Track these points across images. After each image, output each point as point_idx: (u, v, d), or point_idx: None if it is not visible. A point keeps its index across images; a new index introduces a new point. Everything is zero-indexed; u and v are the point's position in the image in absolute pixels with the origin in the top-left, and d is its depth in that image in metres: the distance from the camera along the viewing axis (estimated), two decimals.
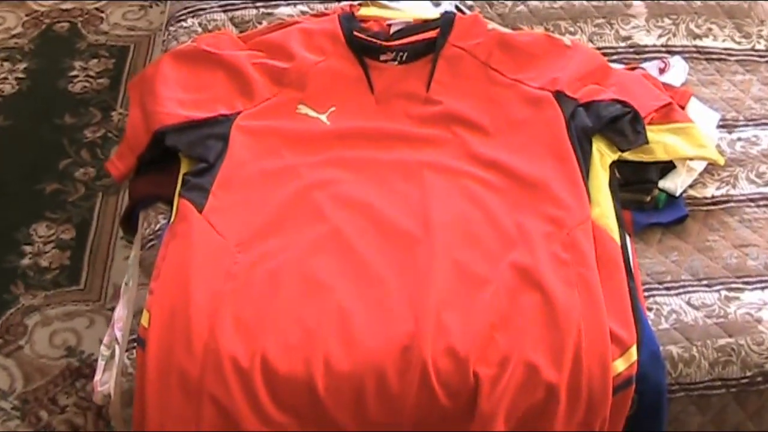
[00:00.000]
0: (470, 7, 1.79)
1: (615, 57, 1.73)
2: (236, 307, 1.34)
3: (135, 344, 1.35)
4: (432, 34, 1.64)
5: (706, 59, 1.75)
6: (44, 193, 2.08)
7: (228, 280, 1.37)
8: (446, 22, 1.65)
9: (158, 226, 1.49)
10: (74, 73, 2.33)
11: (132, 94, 1.65)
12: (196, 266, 1.37)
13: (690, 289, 1.42)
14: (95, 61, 2.35)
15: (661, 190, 1.53)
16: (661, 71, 1.69)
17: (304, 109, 1.59)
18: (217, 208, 1.45)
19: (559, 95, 1.55)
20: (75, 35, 2.43)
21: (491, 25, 1.66)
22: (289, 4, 1.79)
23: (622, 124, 1.52)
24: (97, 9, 2.50)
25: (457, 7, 1.75)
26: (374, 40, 1.63)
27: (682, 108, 1.61)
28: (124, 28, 2.44)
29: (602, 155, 1.51)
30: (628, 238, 1.45)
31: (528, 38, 1.65)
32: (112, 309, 1.88)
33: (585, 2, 1.80)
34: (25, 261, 1.97)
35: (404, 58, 1.63)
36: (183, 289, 1.35)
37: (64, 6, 2.51)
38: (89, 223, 2.03)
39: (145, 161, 1.56)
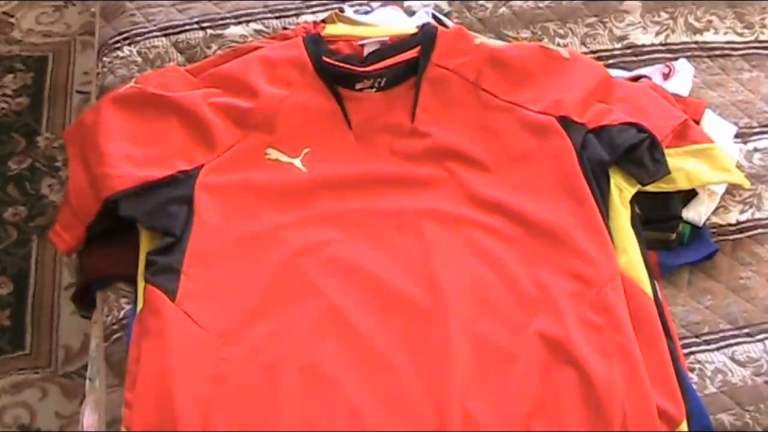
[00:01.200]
0: (447, 14, 1.58)
1: (612, 60, 1.56)
2: (232, 415, 1.16)
3: None
4: (412, 53, 1.43)
5: (709, 56, 1.59)
6: None
7: (217, 384, 1.18)
8: (427, 37, 1.44)
9: (122, 314, 1.29)
10: None
11: (70, 148, 1.42)
12: (177, 371, 1.17)
13: (731, 341, 1.28)
14: (11, 76, 2.07)
15: (685, 222, 1.38)
16: (666, 77, 1.52)
17: (274, 154, 1.38)
18: (192, 292, 1.25)
19: (565, 121, 1.37)
20: None
21: (478, 39, 1.46)
22: (239, 23, 1.56)
23: (640, 153, 1.35)
24: (5, 13, 2.19)
25: (434, 17, 1.54)
26: (347, 65, 1.42)
27: (697, 122, 1.45)
28: (39, 35, 2.15)
29: (621, 190, 1.34)
30: (657, 284, 1.31)
31: (521, 52, 1.45)
32: (65, 375, 1.70)
33: (573, 0, 1.62)
34: None
35: (383, 84, 1.42)
36: (166, 403, 1.15)
37: None
38: (27, 273, 1.79)
39: (96, 233, 1.35)
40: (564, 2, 1.61)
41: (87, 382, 1.33)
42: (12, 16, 2.18)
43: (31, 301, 1.76)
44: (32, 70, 2.08)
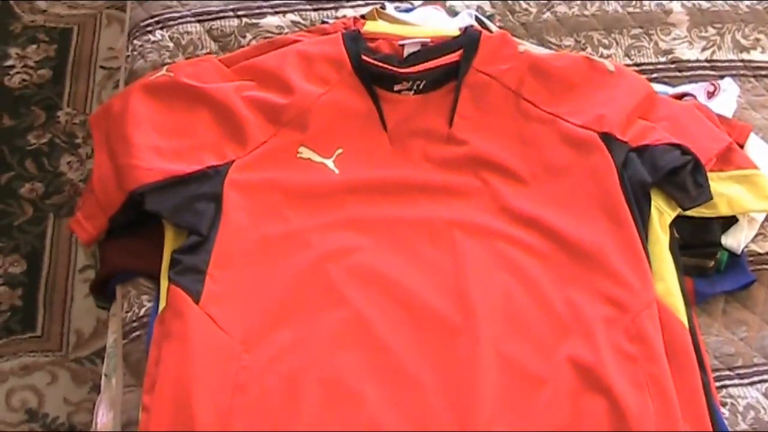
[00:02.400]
0: (490, 16, 1.53)
1: (655, 75, 1.51)
2: (251, 427, 1.12)
3: None
4: (453, 57, 1.39)
5: (754, 76, 1.54)
6: None
7: (237, 393, 1.14)
8: (470, 41, 1.40)
9: (142, 311, 1.25)
10: (10, 62, 2.00)
11: (96, 134, 1.38)
12: (198, 378, 1.14)
13: (766, 376, 1.25)
14: (33, 47, 2.03)
15: (724, 249, 1.34)
16: (710, 95, 1.47)
17: (306, 153, 1.35)
18: (216, 294, 1.21)
19: (608, 138, 1.33)
20: (7, 15, 2.08)
21: (523, 45, 1.42)
22: (276, 13, 1.51)
23: (683, 177, 1.30)
24: None
25: (477, 19, 1.49)
26: (387, 66, 1.37)
27: (741, 146, 1.41)
28: (64, 6, 2.10)
29: (661, 214, 1.30)
30: (692, 313, 1.27)
31: (565, 62, 1.41)
32: (76, 360, 1.66)
33: (619, 8, 1.56)
34: None
35: (422, 86, 1.38)
36: (185, 410, 1.12)
37: None
38: (41, 252, 1.76)
39: (119, 224, 1.32)
40: (609, 9, 1.57)
41: (103, 378, 1.29)
42: None
43: (44, 281, 1.73)
44: (56, 42, 2.04)
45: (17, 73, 1.99)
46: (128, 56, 1.49)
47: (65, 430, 1.58)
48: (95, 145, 1.37)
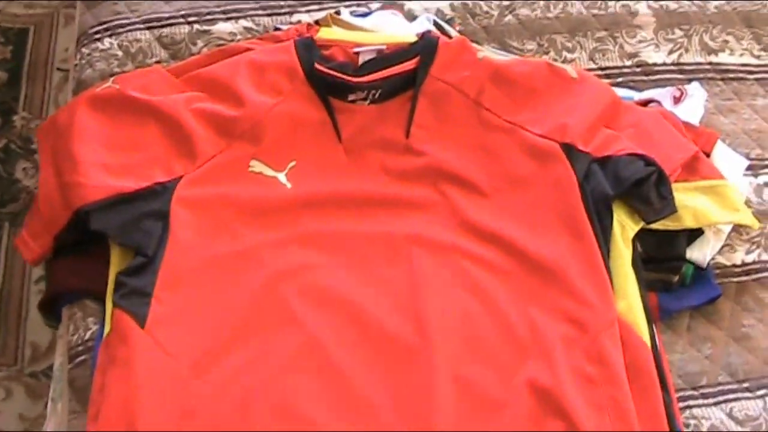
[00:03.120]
0: (450, 20, 1.49)
1: (621, 79, 1.48)
2: None
3: None
4: (410, 64, 1.34)
5: (722, 79, 1.50)
6: None
7: (186, 420, 1.11)
8: (427, 48, 1.35)
9: (88, 334, 1.21)
10: None
11: (42, 147, 1.33)
12: (143, 406, 1.10)
13: (730, 395, 1.22)
14: None
15: (689, 262, 1.30)
16: (677, 101, 1.43)
17: (258, 167, 1.30)
18: (162, 317, 1.17)
19: (569, 148, 1.28)
20: None
21: (482, 52, 1.37)
22: (228, 19, 1.46)
23: (647, 189, 1.26)
24: None
25: (435, 24, 1.45)
26: (341, 75, 1.33)
27: (707, 154, 1.37)
28: (19, 5, 2.04)
29: (624, 228, 1.26)
30: (655, 330, 1.23)
31: (526, 69, 1.36)
32: (32, 374, 1.62)
33: (584, 10, 1.52)
34: None
35: (377, 96, 1.33)
36: None
37: None
38: None
39: (66, 243, 1.27)
40: (573, 11, 1.52)
41: (49, 402, 1.26)
42: None
43: None
44: (12, 43, 1.98)
45: None
46: (76, 65, 1.44)
47: None
48: (41, 160, 1.32)
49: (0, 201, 1.78)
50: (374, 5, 1.49)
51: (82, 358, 1.20)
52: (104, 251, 1.24)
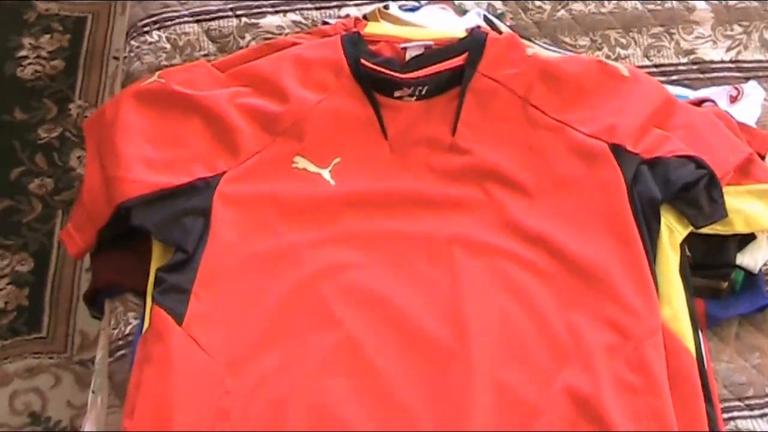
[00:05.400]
0: (501, 14, 1.46)
1: (675, 77, 1.43)
2: None
3: None
4: (458, 61, 1.32)
5: None
6: None
7: (220, 420, 1.11)
8: (475, 44, 1.33)
9: (128, 329, 1.22)
10: (23, 53, 1.98)
11: (89, 141, 1.34)
12: (179, 403, 1.10)
13: None
14: (47, 37, 1.99)
15: (739, 268, 1.27)
16: (733, 100, 1.39)
17: (302, 163, 1.29)
18: (200, 315, 1.17)
19: (618, 150, 1.25)
20: (22, 3, 2.05)
21: (531, 48, 1.35)
22: (277, 13, 1.46)
23: (697, 192, 1.23)
24: None
25: (486, 19, 1.42)
26: (387, 71, 1.31)
27: (762, 157, 1.33)
28: None
29: (672, 232, 1.23)
30: (701, 338, 1.20)
31: (576, 67, 1.33)
32: (80, 362, 1.65)
33: (639, 6, 1.48)
34: None
35: (424, 92, 1.32)
36: None
37: None
38: (49, 251, 1.74)
39: (108, 238, 1.28)
40: (628, 6, 1.48)
41: (90, 394, 1.27)
42: None
43: (51, 281, 1.71)
44: (69, 32, 2.01)
45: (30, 64, 1.96)
46: (125, 57, 1.45)
47: None
48: (88, 153, 1.33)
49: (55, 189, 1.81)
50: (423, 1, 1.47)
51: (122, 352, 1.21)
52: (147, 246, 1.25)
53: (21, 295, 1.70)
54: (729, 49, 1.46)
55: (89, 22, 2.02)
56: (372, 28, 1.38)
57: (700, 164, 1.25)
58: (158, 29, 1.45)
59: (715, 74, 1.44)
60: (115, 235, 1.28)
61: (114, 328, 1.24)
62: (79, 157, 1.85)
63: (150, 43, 1.44)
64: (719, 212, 1.23)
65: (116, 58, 1.97)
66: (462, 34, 1.36)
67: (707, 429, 1.12)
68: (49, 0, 2.05)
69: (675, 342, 1.17)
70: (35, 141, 1.86)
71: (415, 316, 1.19)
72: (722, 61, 1.45)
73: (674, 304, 1.19)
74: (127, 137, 1.29)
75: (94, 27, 2.01)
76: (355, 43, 1.34)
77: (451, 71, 1.32)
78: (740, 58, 1.46)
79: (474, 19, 1.43)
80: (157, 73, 1.35)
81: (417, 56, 1.34)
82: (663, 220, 1.23)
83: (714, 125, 1.32)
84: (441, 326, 1.18)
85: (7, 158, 1.83)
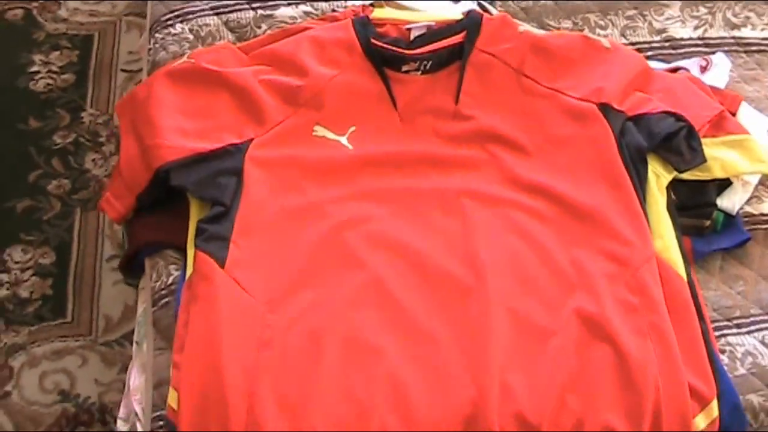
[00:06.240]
0: (492, 1, 1.62)
1: (650, 53, 1.59)
2: (276, 380, 1.19)
3: (160, 423, 1.20)
4: (457, 38, 1.47)
5: (746, 52, 1.62)
6: (15, 211, 1.89)
7: (262, 348, 1.21)
8: (472, 24, 1.48)
9: (170, 279, 1.33)
10: (35, 68, 2.10)
11: (122, 121, 1.46)
12: (225, 335, 1.21)
13: (762, 325, 1.31)
14: (57, 53, 2.12)
15: (719, 210, 1.41)
16: (703, 69, 1.55)
17: (321, 131, 1.42)
18: (240, 260, 1.29)
19: (605, 108, 1.40)
20: (31, 24, 2.18)
21: (522, 26, 1.50)
22: (290, 5, 1.60)
23: (678, 142, 1.38)
24: None
25: (479, 4, 1.58)
26: (395, 48, 1.46)
27: (733, 114, 1.48)
28: (85, 14, 2.20)
29: (658, 177, 1.37)
30: (690, 269, 1.34)
31: (563, 41, 1.49)
32: (105, 344, 1.74)
33: None
34: (3, 292, 1.78)
35: (428, 67, 1.46)
36: (214, 365, 1.19)
37: None
38: (69, 244, 1.84)
39: (145, 203, 1.39)
40: None
41: (134, 345, 1.37)
42: None
43: (73, 271, 1.81)
44: (78, 48, 2.13)
45: (42, 78, 2.08)
46: (150, 49, 1.58)
47: (96, 409, 1.65)
48: (121, 131, 1.45)
49: (72, 189, 1.92)
50: None
51: (166, 300, 1.31)
52: (181, 208, 1.36)
53: (45, 285, 1.79)
54: (696, 28, 1.63)
55: (96, 40, 2.15)
56: (378, 13, 1.53)
57: (679, 118, 1.40)
58: (180, 22, 1.58)
59: (685, 50, 1.61)
60: (151, 201, 1.40)
61: (156, 281, 1.34)
62: (93, 160, 1.96)
63: (174, 35, 1.56)
64: (698, 158, 1.38)
65: (124, 71, 2.09)
66: (459, 16, 1.51)
67: (703, 342, 1.25)
68: (57, 21, 2.17)
69: (668, 270, 1.30)
70: (51, 146, 1.97)
71: (434, 257, 1.31)
72: (691, 38, 1.62)
73: (665, 237, 1.33)
74: (162, 110, 1.41)
75: (101, 43, 2.14)
76: (364, 25, 1.49)
77: (451, 47, 1.47)
78: (707, 35, 1.62)
79: (468, 4, 1.58)
80: (186, 54, 1.48)
81: (421, 35, 1.49)
82: (650, 167, 1.37)
83: (688, 87, 1.48)
84: (457, 265, 1.30)
85: (24, 163, 1.94)
